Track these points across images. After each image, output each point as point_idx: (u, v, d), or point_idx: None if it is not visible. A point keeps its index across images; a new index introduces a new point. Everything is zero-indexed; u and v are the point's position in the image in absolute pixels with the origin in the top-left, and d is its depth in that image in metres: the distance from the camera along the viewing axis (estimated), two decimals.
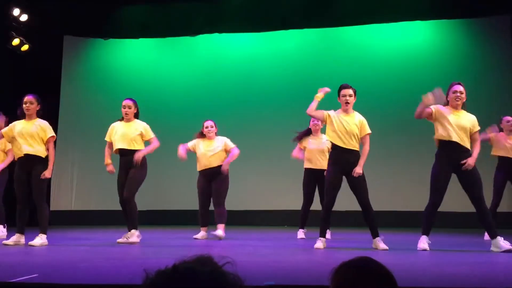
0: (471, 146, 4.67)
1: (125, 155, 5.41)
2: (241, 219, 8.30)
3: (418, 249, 4.57)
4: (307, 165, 6.14)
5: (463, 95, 4.76)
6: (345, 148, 4.83)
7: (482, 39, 8.33)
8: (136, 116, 5.55)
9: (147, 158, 5.52)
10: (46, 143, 5.08)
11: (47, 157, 5.07)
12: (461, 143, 4.61)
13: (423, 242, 4.61)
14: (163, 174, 8.44)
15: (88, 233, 6.72)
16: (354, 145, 4.85)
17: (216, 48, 9.05)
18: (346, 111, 4.93)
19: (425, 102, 4.60)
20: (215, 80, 8.94)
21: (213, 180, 6.00)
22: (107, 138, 5.57)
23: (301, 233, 6.10)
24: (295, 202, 8.23)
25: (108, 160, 5.51)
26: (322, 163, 5.95)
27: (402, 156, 8.24)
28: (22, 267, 3.55)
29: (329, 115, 4.92)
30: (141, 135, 5.44)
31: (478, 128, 4.75)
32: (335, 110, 5.01)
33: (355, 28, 8.50)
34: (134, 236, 5.30)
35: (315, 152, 6.07)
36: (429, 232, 4.68)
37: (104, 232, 6.85)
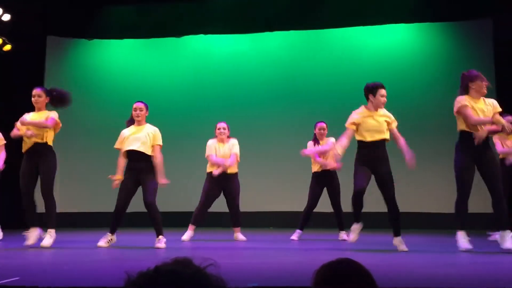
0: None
1: (135, 160, 5.14)
2: (227, 221, 8.29)
3: (460, 249, 4.56)
4: (314, 169, 6.22)
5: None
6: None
7: (464, 41, 8.45)
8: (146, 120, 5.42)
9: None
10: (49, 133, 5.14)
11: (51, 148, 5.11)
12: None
13: (462, 241, 4.61)
14: None
15: (71, 235, 6.66)
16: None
17: (202, 49, 9.04)
18: (376, 109, 4.87)
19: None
20: (200, 81, 8.93)
21: (225, 184, 6.02)
22: (117, 146, 5.27)
23: (296, 234, 6.12)
24: (282, 204, 8.29)
25: (119, 174, 5.14)
26: (330, 165, 6.11)
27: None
28: (3, 270, 3.50)
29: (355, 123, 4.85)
30: (151, 138, 5.23)
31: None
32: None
33: (339, 30, 8.57)
34: (162, 241, 5.13)
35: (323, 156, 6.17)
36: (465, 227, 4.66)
37: (88, 234, 6.79)
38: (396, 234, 4.79)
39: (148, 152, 5.15)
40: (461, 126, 4.77)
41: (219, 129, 6.14)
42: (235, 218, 6.11)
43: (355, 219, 4.92)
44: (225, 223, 8.27)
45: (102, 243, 5.10)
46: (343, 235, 6.09)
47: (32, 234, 5.05)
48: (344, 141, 4.79)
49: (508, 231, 4.52)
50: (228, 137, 6.17)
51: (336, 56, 8.67)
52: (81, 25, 8.59)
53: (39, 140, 5.06)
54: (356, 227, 4.94)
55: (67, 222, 8.53)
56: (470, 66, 8.37)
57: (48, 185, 5.01)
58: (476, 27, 8.24)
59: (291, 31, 8.57)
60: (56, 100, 5.25)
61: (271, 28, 8.44)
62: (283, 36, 8.71)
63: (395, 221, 4.76)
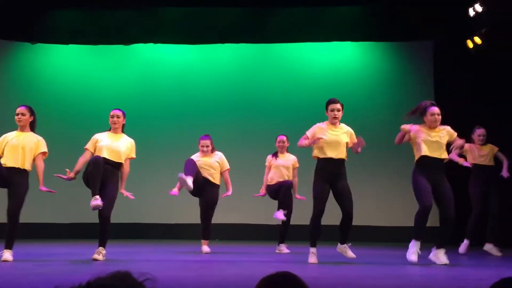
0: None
1: (111, 165, 5.00)
2: (170, 233, 8.21)
3: (408, 258, 4.67)
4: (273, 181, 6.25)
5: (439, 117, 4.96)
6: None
7: (406, 61, 8.85)
8: (122, 129, 5.26)
9: None
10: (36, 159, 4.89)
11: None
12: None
13: (413, 250, 4.71)
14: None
15: (19, 247, 6.33)
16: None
17: (151, 58, 8.93)
18: (334, 125, 5.00)
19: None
20: (148, 90, 8.81)
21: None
22: (90, 149, 5.07)
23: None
24: (224, 216, 8.26)
25: (74, 173, 4.96)
26: (285, 178, 6.16)
27: None
28: None
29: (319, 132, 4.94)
30: (130, 150, 5.13)
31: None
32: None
33: (288, 45, 8.73)
34: (101, 254, 4.93)
35: (283, 169, 6.20)
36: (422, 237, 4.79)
37: (31, 246, 6.46)
38: (343, 242, 4.94)
39: (120, 160, 5.07)
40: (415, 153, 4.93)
41: (202, 146, 6.08)
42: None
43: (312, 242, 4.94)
44: (167, 235, 8.19)
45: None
46: (283, 248, 6.14)
47: None
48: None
49: (443, 249, 4.74)
50: (213, 150, 6.13)
51: (285, 70, 8.82)
52: (24, 28, 8.27)
53: (16, 166, 4.80)
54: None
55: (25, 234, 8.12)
56: (412, 84, 8.82)
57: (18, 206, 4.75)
58: (417, 48, 8.65)
59: (243, 44, 8.64)
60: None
61: (223, 40, 8.46)
62: (234, 49, 8.76)
63: (348, 230, 4.89)
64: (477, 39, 7.35)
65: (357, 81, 8.72)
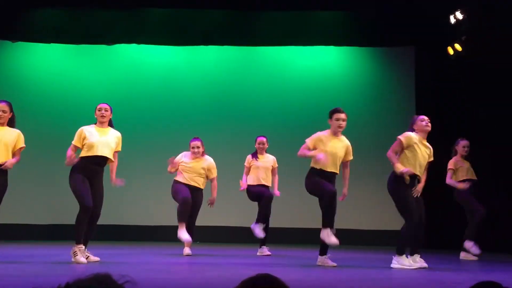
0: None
1: (97, 163, 4.94)
2: (152, 235, 8.16)
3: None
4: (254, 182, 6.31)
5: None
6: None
7: (388, 67, 8.96)
8: (110, 124, 5.19)
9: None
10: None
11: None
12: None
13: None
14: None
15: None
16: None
17: (134, 59, 8.87)
18: (336, 135, 4.98)
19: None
20: (131, 91, 8.73)
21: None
22: (77, 144, 4.96)
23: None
24: (207, 218, 8.23)
25: (72, 163, 4.89)
26: (267, 180, 6.29)
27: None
28: None
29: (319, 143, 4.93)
30: (117, 144, 5.07)
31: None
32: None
33: (272, 48, 8.76)
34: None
35: (262, 170, 6.29)
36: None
37: (6, 247, 6.37)
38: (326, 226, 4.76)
39: (111, 157, 5.02)
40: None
41: (193, 147, 6.04)
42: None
43: None
44: (150, 237, 8.13)
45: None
46: (265, 250, 6.18)
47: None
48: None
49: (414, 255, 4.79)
50: (203, 153, 6.10)
51: (269, 74, 8.85)
52: (5, 26, 8.14)
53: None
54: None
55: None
56: (394, 89, 8.92)
57: None
58: (399, 54, 8.76)
59: (227, 46, 8.63)
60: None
61: (207, 42, 8.45)
62: (218, 51, 8.75)
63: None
64: (458, 46, 7.47)
65: (339, 85, 8.79)
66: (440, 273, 4.62)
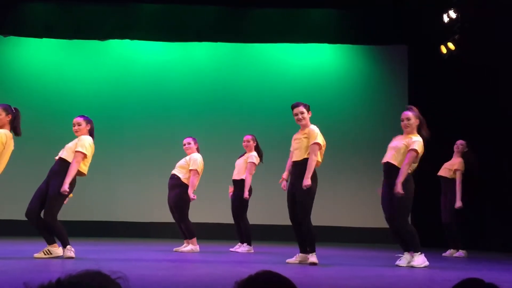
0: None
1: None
2: (143, 232, 8.13)
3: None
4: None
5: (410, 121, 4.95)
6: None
7: (381, 64, 8.99)
8: (91, 133, 5.07)
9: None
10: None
11: None
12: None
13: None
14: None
15: None
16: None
17: (126, 55, 8.82)
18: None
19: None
20: (123, 87, 8.70)
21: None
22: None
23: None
24: (205, 215, 8.23)
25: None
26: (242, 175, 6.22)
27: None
28: None
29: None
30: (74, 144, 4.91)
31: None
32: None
33: (265, 45, 8.76)
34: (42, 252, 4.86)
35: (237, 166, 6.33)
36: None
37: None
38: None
39: (69, 159, 4.86)
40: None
41: (184, 144, 6.12)
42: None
43: None
44: (142, 234, 8.11)
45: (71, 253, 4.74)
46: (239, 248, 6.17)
47: None
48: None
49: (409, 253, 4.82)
50: (197, 149, 6.14)
51: (261, 70, 8.85)
52: None
53: None
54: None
55: None
56: (386, 87, 8.95)
57: None
58: (392, 52, 8.79)
59: (219, 43, 8.61)
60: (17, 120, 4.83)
61: (199, 38, 8.43)
62: (210, 47, 8.73)
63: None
64: (451, 45, 7.50)
65: (332, 83, 8.80)
66: (429, 271, 4.66)
